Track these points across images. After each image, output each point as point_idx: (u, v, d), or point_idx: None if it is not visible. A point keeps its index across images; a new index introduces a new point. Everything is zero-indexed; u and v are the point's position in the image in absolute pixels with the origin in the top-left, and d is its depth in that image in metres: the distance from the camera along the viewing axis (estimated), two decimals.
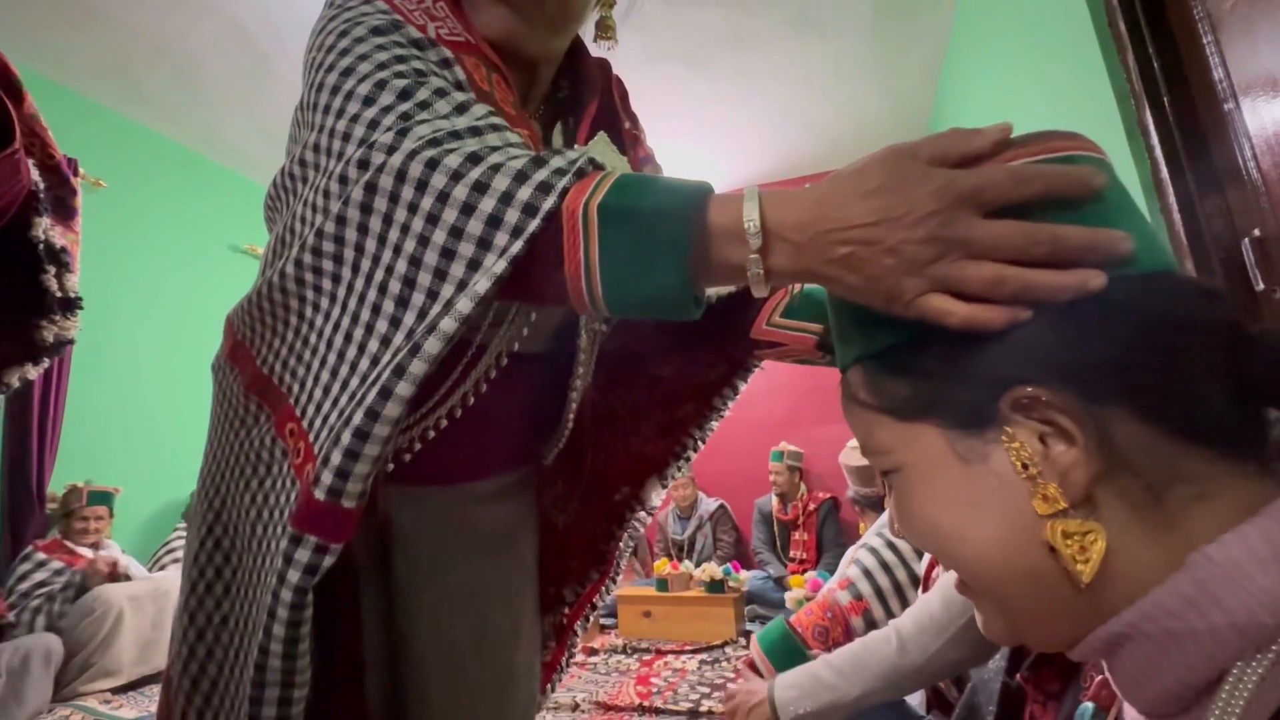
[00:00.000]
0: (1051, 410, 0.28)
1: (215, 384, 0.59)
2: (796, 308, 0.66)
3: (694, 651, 2.67)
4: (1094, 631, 0.29)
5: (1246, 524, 0.26)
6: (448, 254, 0.39)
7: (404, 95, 0.44)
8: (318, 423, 0.45)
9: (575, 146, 0.61)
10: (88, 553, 2.53)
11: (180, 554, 2.95)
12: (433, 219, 0.39)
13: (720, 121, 3.32)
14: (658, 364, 0.76)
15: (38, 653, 2.09)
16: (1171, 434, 0.27)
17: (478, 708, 0.64)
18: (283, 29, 2.57)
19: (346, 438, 0.40)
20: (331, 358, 0.45)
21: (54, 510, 2.62)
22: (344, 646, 0.54)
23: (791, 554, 3.31)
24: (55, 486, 2.65)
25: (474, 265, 0.39)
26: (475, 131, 0.43)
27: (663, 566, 3.09)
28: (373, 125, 0.43)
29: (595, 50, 0.69)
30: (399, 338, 0.41)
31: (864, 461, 1.38)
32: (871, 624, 1.18)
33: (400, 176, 0.40)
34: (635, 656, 2.66)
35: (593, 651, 2.77)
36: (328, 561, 0.42)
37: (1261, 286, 1.09)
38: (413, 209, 0.40)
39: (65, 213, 2.12)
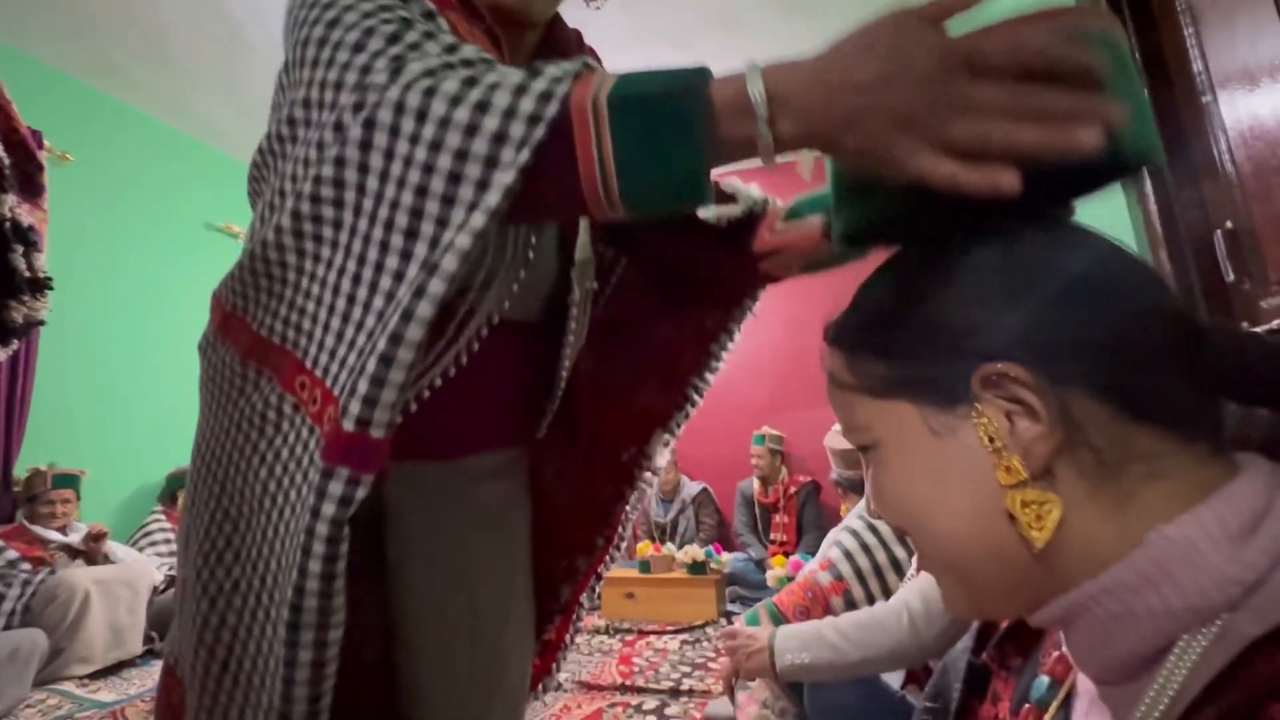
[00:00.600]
0: (1018, 386, 0.29)
1: (204, 363, 0.58)
2: (797, 211, 0.65)
3: (675, 632, 2.71)
4: (1056, 600, 0.31)
5: (1202, 505, 0.28)
6: (455, 178, 0.38)
7: (393, 39, 0.43)
8: (334, 367, 0.44)
9: None
10: (56, 536, 2.49)
11: (156, 538, 2.91)
12: (435, 145, 0.39)
13: None
14: (652, 322, 0.77)
15: (24, 648, 2.05)
16: (1127, 413, 0.29)
17: (468, 688, 0.65)
18: None
19: (372, 365, 0.40)
20: (341, 303, 0.45)
21: (19, 493, 2.56)
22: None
23: (772, 536, 3.37)
24: (23, 470, 2.59)
25: (483, 186, 0.38)
26: (468, 64, 0.42)
27: (645, 549, 3.12)
28: (365, 70, 0.42)
29: (581, 15, 0.68)
30: (413, 269, 0.40)
31: (848, 445, 1.41)
32: (851, 604, 1.21)
33: (399, 108, 0.40)
34: (618, 637, 2.69)
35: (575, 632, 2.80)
36: (360, 494, 0.42)
37: (1232, 277, 1.12)
38: (414, 140, 0.39)
39: (32, 189, 2.05)
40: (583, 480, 0.77)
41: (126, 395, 3.03)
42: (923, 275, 0.34)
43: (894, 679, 1.10)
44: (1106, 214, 1.35)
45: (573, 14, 0.69)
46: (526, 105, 0.37)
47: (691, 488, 3.61)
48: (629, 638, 2.68)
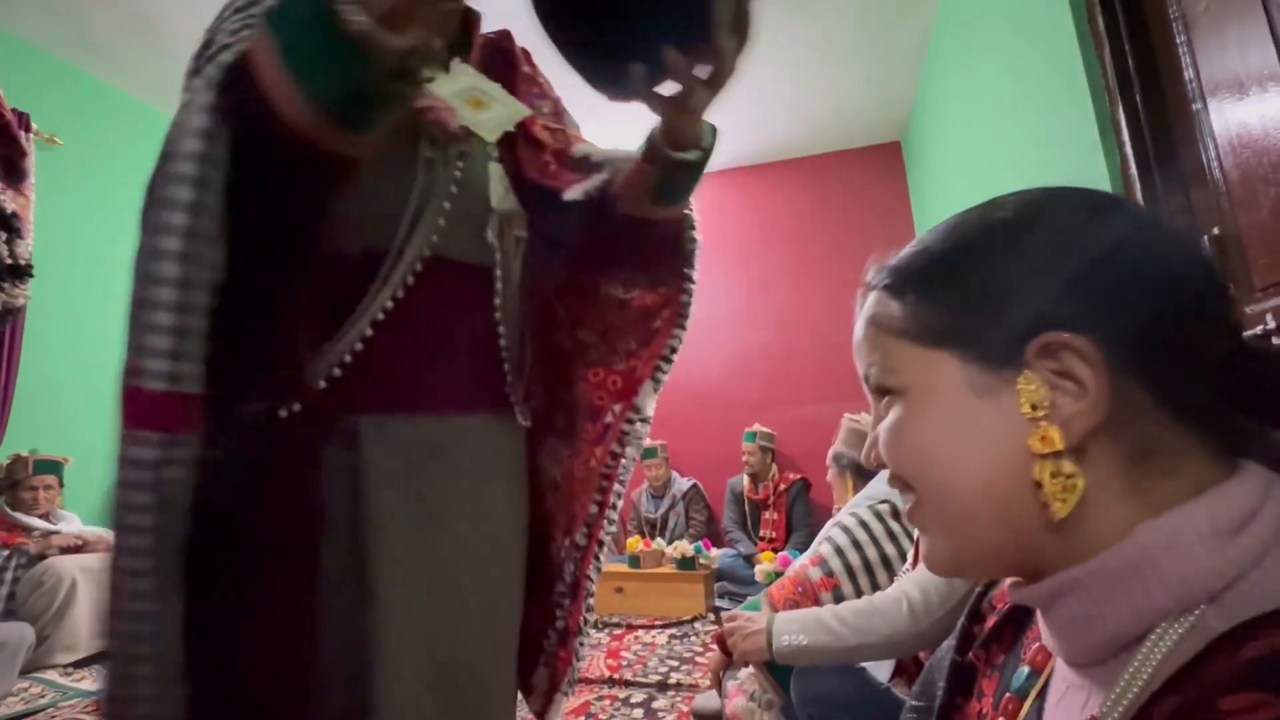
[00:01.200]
0: (1075, 360, 0.29)
1: None
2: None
3: (664, 626, 2.72)
4: (1044, 580, 0.31)
5: (1193, 501, 0.29)
6: (168, 156, 0.45)
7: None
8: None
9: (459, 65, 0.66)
10: (38, 523, 2.46)
11: None
12: (176, 132, 0.46)
13: None
14: (612, 286, 0.79)
15: (11, 642, 2.02)
16: (1167, 409, 0.30)
17: (430, 635, 0.59)
18: None
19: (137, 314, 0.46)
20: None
21: (0, 480, 2.53)
22: (293, 603, 0.54)
23: (761, 533, 3.39)
24: (4, 456, 2.56)
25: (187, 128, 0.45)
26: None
27: (635, 544, 3.13)
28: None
29: None
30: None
31: (864, 429, 1.42)
32: (840, 600, 1.22)
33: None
34: (606, 631, 2.70)
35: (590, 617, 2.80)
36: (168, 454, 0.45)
37: None
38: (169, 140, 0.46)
39: (15, 175, 2.01)
40: (573, 453, 0.78)
41: (112, 382, 2.99)
42: (993, 236, 0.34)
43: (881, 672, 1.12)
44: None
45: None
46: (222, 59, 0.46)
47: (682, 484, 3.62)
48: (617, 631, 2.69)
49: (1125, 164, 1.25)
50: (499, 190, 0.68)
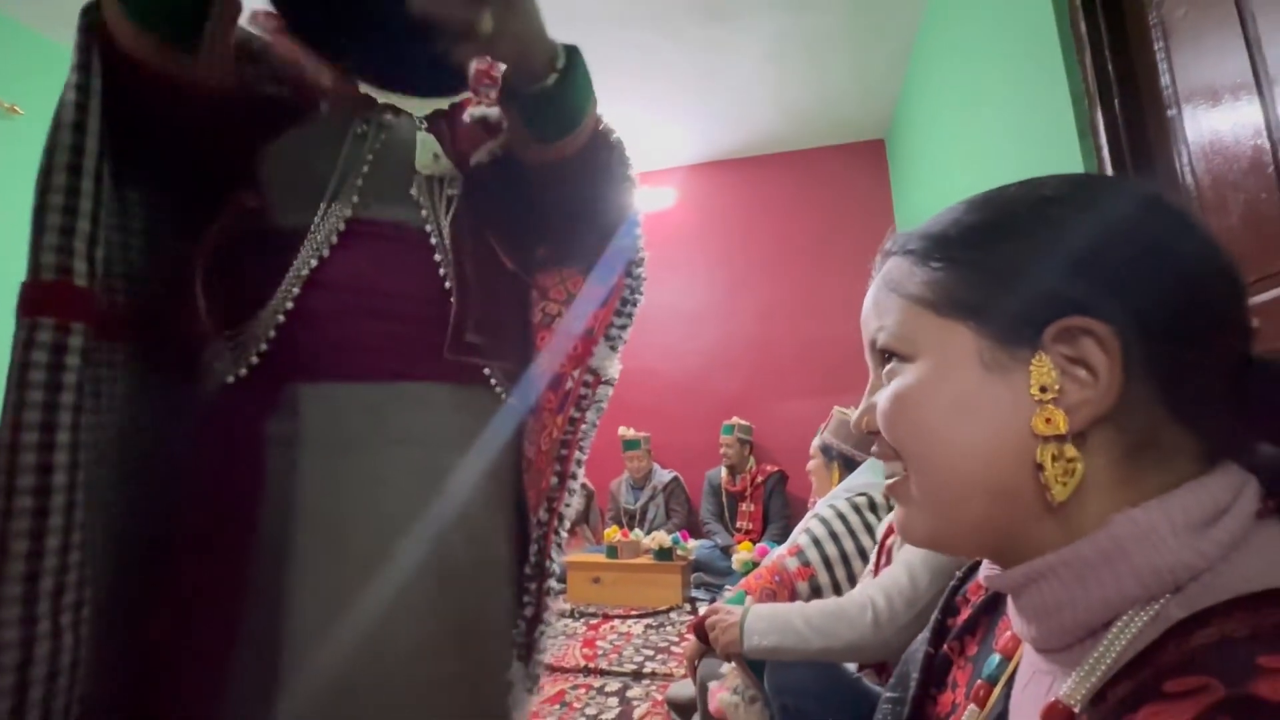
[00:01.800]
0: (1093, 346, 0.29)
1: None
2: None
3: (640, 616, 2.74)
4: (1018, 567, 0.32)
5: (1169, 495, 0.29)
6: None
7: None
8: None
9: None
10: None
11: None
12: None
13: (687, 93, 3.27)
14: (550, 240, 0.79)
15: None
16: (1169, 407, 0.30)
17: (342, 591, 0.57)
18: None
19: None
20: None
21: None
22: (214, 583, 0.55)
23: (738, 524, 3.42)
24: None
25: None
26: None
27: (613, 534, 3.14)
28: None
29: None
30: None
31: (855, 418, 1.42)
32: (816, 590, 1.24)
33: None
34: (582, 620, 2.71)
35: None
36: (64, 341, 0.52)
37: None
38: None
39: None
40: (539, 425, 0.75)
41: None
42: (1033, 214, 0.33)
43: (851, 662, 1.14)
44: None
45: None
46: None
47: (663, 475, 3.64)
48: (594, 621, 2.70)
49: (1102, 167, 1.27)
50: (426, 156, 0.69)
